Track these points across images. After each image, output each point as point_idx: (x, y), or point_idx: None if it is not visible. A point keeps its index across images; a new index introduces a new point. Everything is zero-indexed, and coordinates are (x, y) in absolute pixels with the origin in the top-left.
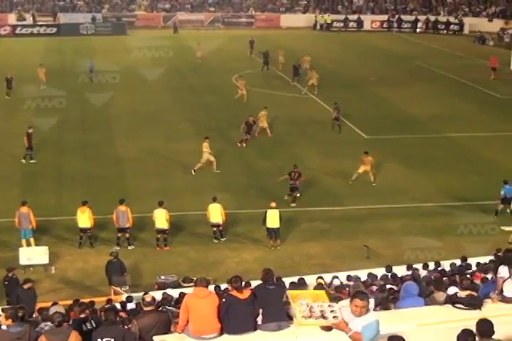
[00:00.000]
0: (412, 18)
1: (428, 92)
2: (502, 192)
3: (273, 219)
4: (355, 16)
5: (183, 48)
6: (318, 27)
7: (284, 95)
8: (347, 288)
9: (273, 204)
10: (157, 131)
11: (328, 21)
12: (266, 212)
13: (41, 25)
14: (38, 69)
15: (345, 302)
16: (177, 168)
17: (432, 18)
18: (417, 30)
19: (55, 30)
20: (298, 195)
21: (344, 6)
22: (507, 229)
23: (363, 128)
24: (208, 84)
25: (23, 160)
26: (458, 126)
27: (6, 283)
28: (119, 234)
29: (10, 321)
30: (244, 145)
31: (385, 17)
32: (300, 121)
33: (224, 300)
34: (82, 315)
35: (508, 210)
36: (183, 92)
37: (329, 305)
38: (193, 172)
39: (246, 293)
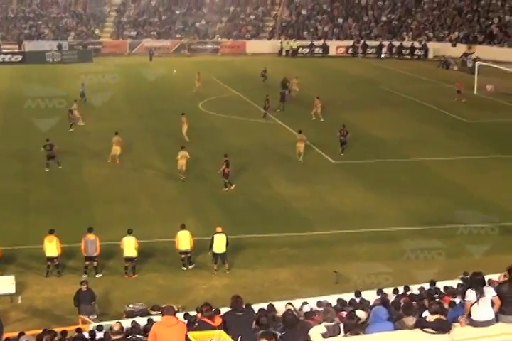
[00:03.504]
0: (376, 43)
1: (394, 117)
2: None
3: (220, 244)
4: (320, 42)
5: (154, 74)
6: (283, 53)
7: (250, 121)
8: (317, 314)
9: (219, 229)
10: (125, 157)
11: (294, 47)
12: (213, 237)
13: (6, 53)
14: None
15: None
16: (145, 194)
17: (397, 43)
18: (382, 56)
19: (20, 58)
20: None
21: (309, 32)
22: None
23: (331, 153)
24: (175, 110)
25: None
26: (425, 150)
27: None
28: (87, 263)
29: None
30: (230, 188)
31: (350, 42)
32: (267, 146)
33: (197, 325)
34: None
35: None
36: (150, 119)
37: None
38: (184, 180)
39: (218, 321)
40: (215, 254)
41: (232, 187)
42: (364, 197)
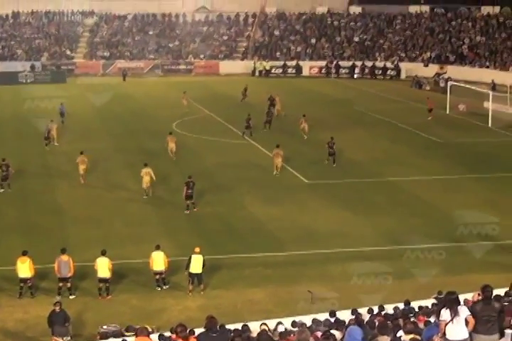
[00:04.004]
0: (349, 63)
1: (367, 137)
2: None
3: (196, 264)
4: (293, 62)
5: (128, 95)
6: (256, 73)
7: (222, 141)
8: (292, 335)
9: (197, 250)
10: (97, 178)
11: (267, 67)
12: (190, 257)
13: None
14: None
15: None
16: (118, 215)
17: (369, 63)
18: (355, 76)
19: None
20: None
21: (282, 52)
22: None
23: (304, 172)
24: (150, 131)
25: None
26: (398, 170)
27: None
28: (61, 284)
29: None
30: (192, 210)
31: (323, 63)
32: (240, 166)
33: None
34: None
35: None
36: (124, 139)
37: None
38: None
39: None
40: (191, 274)
41: (195, 209)
42: (338, 217)
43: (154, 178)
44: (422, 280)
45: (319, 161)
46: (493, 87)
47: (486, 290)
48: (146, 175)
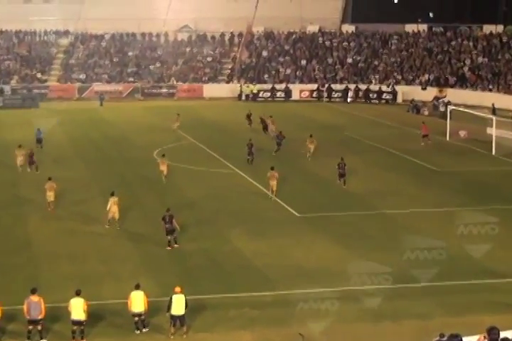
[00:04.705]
0: (342, 86)
1: (360, 165)
2: None
3: (178, 305)
4: (282, 85)
5: (105, 121)
6: (243, 97)
7: (207, 170)
8: None
9: (178, 289)
10: (71, 209)
11: (254, 91)
12: (171, 297)
13: None
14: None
15: None
16: (95, 250)
17: (363, 86)
18: (348, 100)
19: None
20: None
21: (271, 74)
22: None
23: (295, 205)
24: (128, 158)
25: None
26: (393, 201)
27: None
28: (30, 327)
29: None
30: (172, 246)
31: (314, 86)
32: (226, 197)
33: None
34: None
35: None
36: (101, 168)
37: None
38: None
39: None
40: (173, 316)
41: (175, 246)
42: (330, 253)
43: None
44: (422, 322)
45: (310, 192)
46: (493, 111)
47: (493, 332)
48: (114, 204)
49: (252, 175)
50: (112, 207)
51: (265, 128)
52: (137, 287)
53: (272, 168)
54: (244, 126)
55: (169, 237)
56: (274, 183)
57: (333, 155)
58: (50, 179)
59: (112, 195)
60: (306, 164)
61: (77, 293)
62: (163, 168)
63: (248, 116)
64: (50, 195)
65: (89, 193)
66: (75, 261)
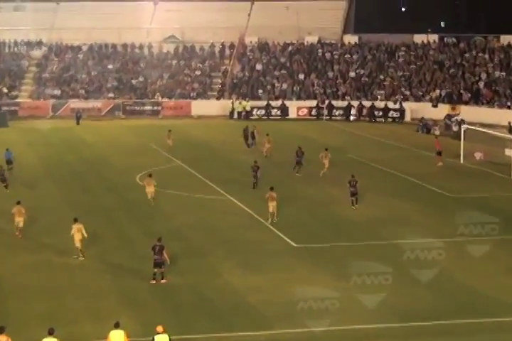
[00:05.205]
0: (344, 103)
1: (364, 191)
2: None
3: None
4: (278, 102)
5: (82, 142)
6: (235, 115)
7: (195, 197)
8: None
9: (160, 329)
10: (43, 238)
11: (247, 108)
12: (153, 338)
13: None
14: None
15: None
16: (70, 285)
17: (368, 103)
18: (351, 118)
19: None
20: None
21: (265, 90)
22: None
23: (292, 235)
24: (107, 183)
25: None
26: (400, 230)
27: None
28: None
29: None
30: (159, 281)
31: (314, 103)
32: (216, 227)
33: None
34: None
35: None
36: (75, 193)
37: None
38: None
39: None
40: None
41: (162, 281)
42: (331, 288)
43: (86, 235)
44: None
45: (308, 219)
46: (510, 129)
47: None
48: (78, 231)
49: (245, 202)
50: (76, 234)
51: (246, 137)
52: (117, 326)
53: (272, 189)
54: (237, 147)
55: (156, 270)
56: (273, 204)
57: (333, 179)
58: (18, 203)
59: (76, 221)
60: (303, 188)
61: (50, 333)
62: (150, 189)
63: (245, 136)
64: (20, 221)
65: (62, 221)
66: (47, 296)
